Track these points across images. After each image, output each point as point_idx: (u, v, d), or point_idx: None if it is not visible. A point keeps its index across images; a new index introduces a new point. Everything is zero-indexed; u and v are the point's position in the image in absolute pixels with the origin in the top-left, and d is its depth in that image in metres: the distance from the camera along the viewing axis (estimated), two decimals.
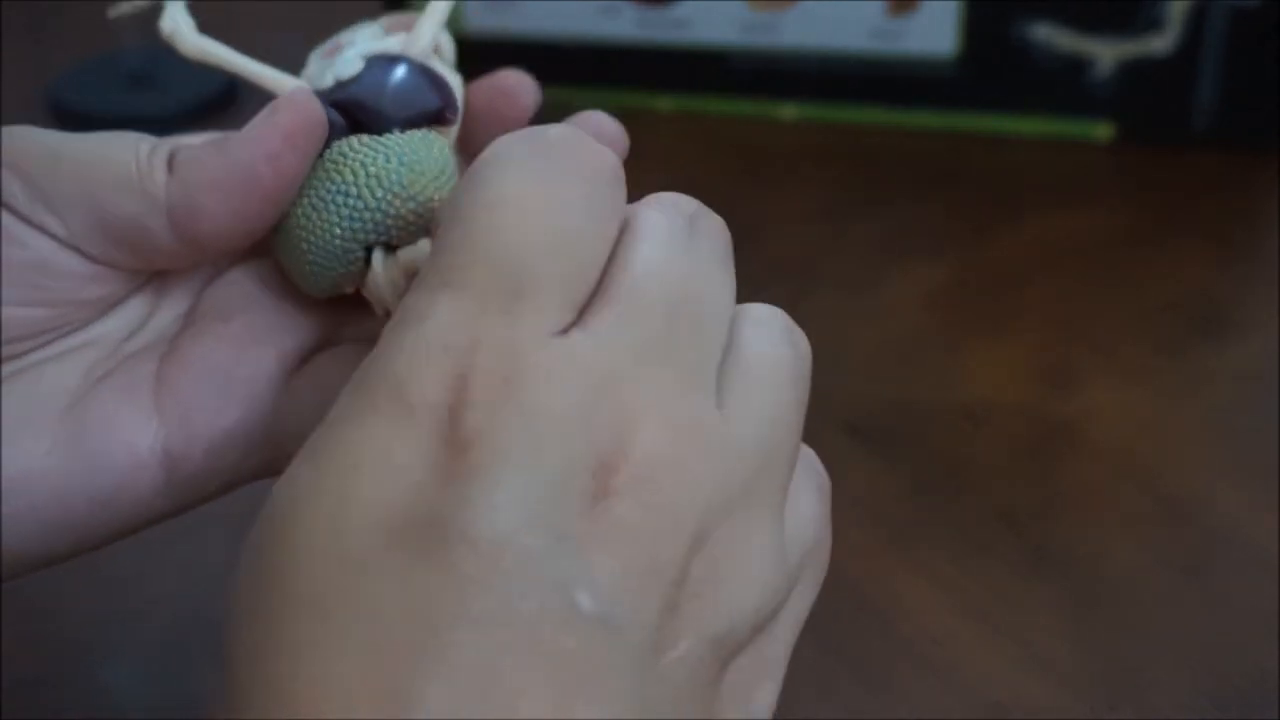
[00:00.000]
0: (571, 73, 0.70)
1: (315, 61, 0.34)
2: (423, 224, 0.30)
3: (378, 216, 0.30)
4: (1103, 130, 0.67)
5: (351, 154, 0.30)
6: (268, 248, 0.32)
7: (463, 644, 0.21)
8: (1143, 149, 0.66)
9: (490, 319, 0.23)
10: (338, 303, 0.32)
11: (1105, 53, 0.65)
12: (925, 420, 0.52)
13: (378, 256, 0.30)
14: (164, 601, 0.45)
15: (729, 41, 0.68)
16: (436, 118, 0.32)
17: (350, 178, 0.30)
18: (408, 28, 0.34)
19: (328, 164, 0.30)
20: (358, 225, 0.30)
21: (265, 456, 0.31)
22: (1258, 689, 0.41)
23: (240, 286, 0.33)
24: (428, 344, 0.23)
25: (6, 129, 0.30)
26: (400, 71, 0.32)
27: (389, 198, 0.30)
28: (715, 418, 0.24)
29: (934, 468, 0.49)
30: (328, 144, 0.31)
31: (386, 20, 0.35)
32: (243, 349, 0.31)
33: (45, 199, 0.29)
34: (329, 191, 0.30)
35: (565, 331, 0.24)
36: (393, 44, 0.33)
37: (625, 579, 0.22)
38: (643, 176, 0.58)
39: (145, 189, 0.29)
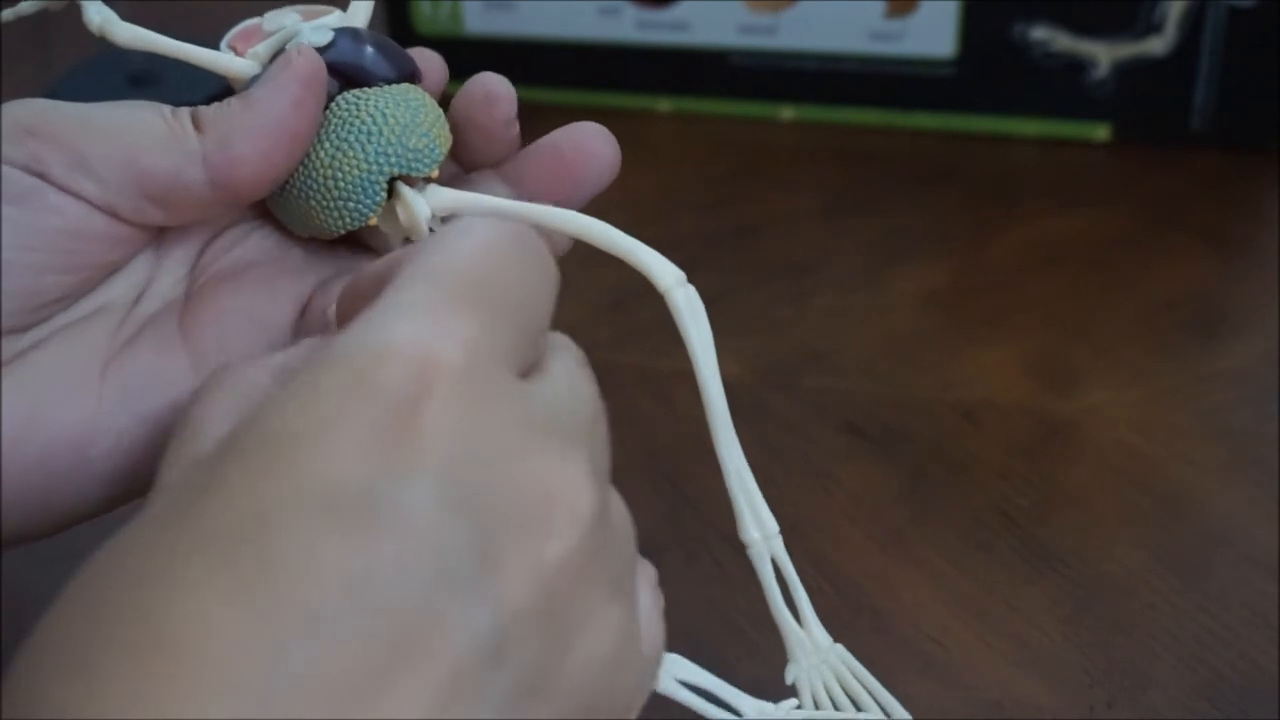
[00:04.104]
0: (571, 75, 0.70)
1: (227, 46, 0.37)
2: (430, 156, 0.35)
3: (399, 150, 0.34)
4: (1101, 131, 0.67)
5: (363, 103, 0.35)
6: (257, 214, 0.36)
7: (349, 620, 0.21)
8: (1141, 150, 0.66)
9: (475, 335, 0.24)
10: (336, 249, 0.36)
11: (1103, 54, 0.65)
12: (924, 420, 0.52)
13: (404, 187, 0.35)
14: None
15: (728, 43, 0.69)
16: (409, 78, 0.36)
17: (369, 121, 0.34)
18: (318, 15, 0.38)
19: (342, 112, 0.35)
20: (383, 160, 0.34)
21: None
22: (1256, 688, 0.41)
23: (240, 248, 0.35)
24: (409, 335, 0.24)
25: (20, 102, 0.32)
26: (367, 39, 0.36)
27: (405, 134, 0.34)
28: (611, 508, 0.26)
29: (933, 467, 0.49)
30: (328, 99, 0.35)
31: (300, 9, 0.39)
32: (258, 294, 0.34)
33: (82, 163, 0.31)
34: (352, 132, 0.34)
35: (520, 374, 0.26)
36: (332, 21, 0.36)
37: (528, 617, 0.23)
38: (642, 178, 0.58)
39: (182, 144, 0.32)
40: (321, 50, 0.35)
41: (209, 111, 0.33)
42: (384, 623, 0.22)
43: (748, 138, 0.69)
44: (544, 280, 0.27)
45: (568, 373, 0.27)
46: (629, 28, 0.69)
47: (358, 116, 0.34)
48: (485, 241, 0.26)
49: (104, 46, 0.36)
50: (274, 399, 0.24)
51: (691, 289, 0.33)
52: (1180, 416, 0.51)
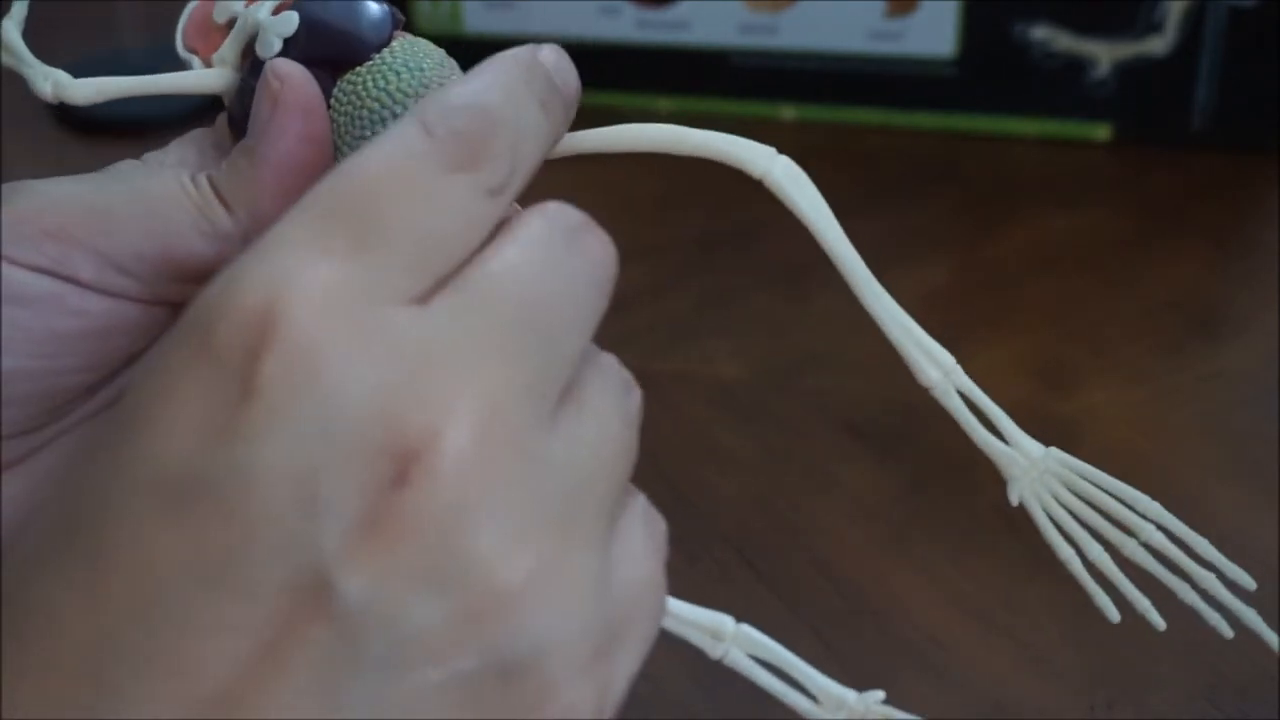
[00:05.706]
0: None
1: (185, 49, 0.34)
2: None
3: None
4: (1101, 131, 0.67)
5: (364, 88, 0.31)
6: None
7: (185, 606, 0.21)
8: (1141, 149, 0.66)
9: (325, 263, 0.22)
10: None
11: (1104, 54, 0.65)
12: (925, 420, 0.52)
13: None
14: None
15: (728, 43, 0.69)
16: (392, 25, 0.33)
17: (377, 106, 0.31)
18: None
19: (347, 108, 0.31)
20: None
21: None
22: (1256, 688, 0.41)
23: None
24: (256, 281, 0.22)
25: (16, 190, 0.29)
26: (328, 13, 0.32)
27: (415, 102, 0.31)
28: (539, 434, 0.23)
29: (934, 467, 0.49)
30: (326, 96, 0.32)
31: None
32: None
33: (115, 263, 0.28)
34: (364, 126, 0.31)
35: (404, 304, 0.23)
36: None
37: (397, 577, 0.21)
38: (642, 178, 0.58)
39: (217, 228, 0.29)
40: (294, 39, 0.32)
41: (226, 182, 0.29)
42: (220, 605, 0.21)
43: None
44: (458, 193, 0.24)
45: (501, 275, 0.23)
46: (629, 27, 0.69)
47: (366, 107, 0.31)
48: (388, 160, 0.23)
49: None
50: (138, 365, 0.23)
51: (784, 159, 0.30)
52: (1180, 416, 0.51)
